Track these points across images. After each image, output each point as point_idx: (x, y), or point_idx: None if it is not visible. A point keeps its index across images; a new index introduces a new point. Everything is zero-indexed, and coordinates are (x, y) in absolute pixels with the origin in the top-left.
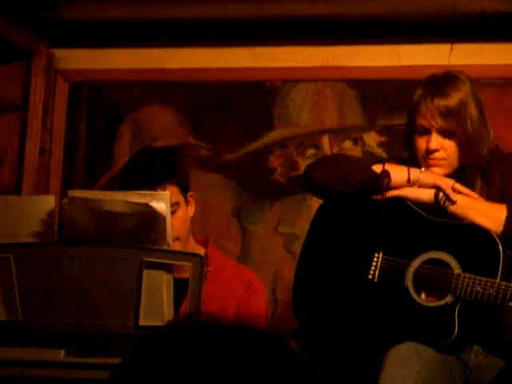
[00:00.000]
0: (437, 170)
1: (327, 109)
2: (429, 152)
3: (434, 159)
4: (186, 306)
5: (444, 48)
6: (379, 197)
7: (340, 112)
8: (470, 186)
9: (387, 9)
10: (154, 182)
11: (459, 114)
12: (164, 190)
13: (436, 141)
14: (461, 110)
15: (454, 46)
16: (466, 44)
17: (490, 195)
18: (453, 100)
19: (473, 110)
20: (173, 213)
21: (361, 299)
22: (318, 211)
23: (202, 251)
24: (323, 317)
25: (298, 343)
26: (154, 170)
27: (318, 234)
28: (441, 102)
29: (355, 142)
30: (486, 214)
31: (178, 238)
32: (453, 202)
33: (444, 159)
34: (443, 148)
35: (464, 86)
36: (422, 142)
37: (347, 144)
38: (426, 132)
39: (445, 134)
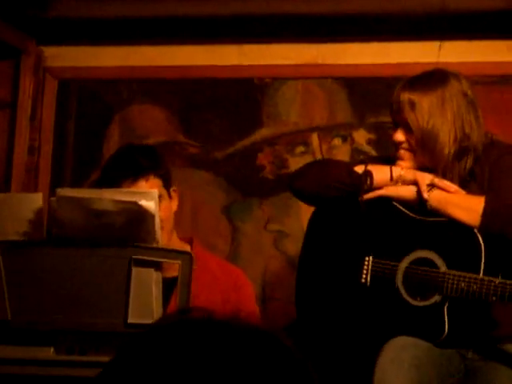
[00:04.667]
0: (401, 163)
1: (316, 106)
2: (395, 144)
3: (400, 151)
4: (173, 305)
5: (433, 45)
6: (363, 198)
7: (329, 109)
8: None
9: (376, 6)
10: (137, 174)
11: (421, 111)
12: (147, 181)
13: (400, 133)
14: (424, 107)
15: (442, 43)
16: (454, 41)
17: (481, 190)
18: (417, 96)
19: (446, 111)
20: None
21: (356, 304)
22: (311, 217)
23: (187, 248)
24: (324, 325)
25: (291, 338)
26: (138, 161)
27: (313, 241)
28: (405, 96)
29: (344, 139)
30: (464, 207)
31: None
32: (424, 198)
33: (409, 151)
34: (409, 141)
35: (443, 86)
36: (393, 136)
37: (336, 141)
38: (396, 125)
39: (408, 127)
